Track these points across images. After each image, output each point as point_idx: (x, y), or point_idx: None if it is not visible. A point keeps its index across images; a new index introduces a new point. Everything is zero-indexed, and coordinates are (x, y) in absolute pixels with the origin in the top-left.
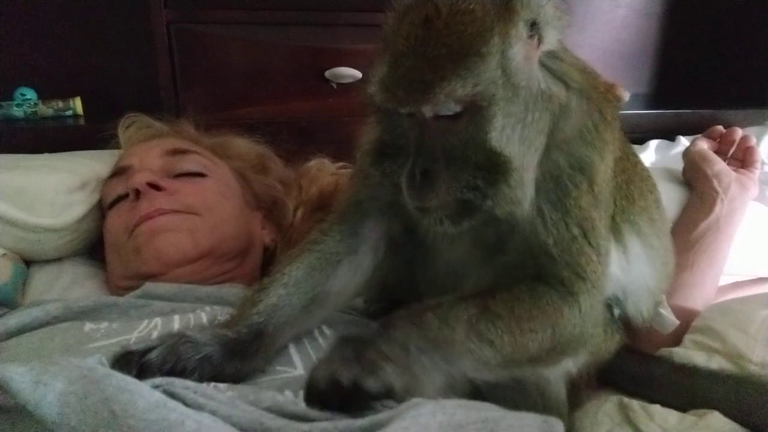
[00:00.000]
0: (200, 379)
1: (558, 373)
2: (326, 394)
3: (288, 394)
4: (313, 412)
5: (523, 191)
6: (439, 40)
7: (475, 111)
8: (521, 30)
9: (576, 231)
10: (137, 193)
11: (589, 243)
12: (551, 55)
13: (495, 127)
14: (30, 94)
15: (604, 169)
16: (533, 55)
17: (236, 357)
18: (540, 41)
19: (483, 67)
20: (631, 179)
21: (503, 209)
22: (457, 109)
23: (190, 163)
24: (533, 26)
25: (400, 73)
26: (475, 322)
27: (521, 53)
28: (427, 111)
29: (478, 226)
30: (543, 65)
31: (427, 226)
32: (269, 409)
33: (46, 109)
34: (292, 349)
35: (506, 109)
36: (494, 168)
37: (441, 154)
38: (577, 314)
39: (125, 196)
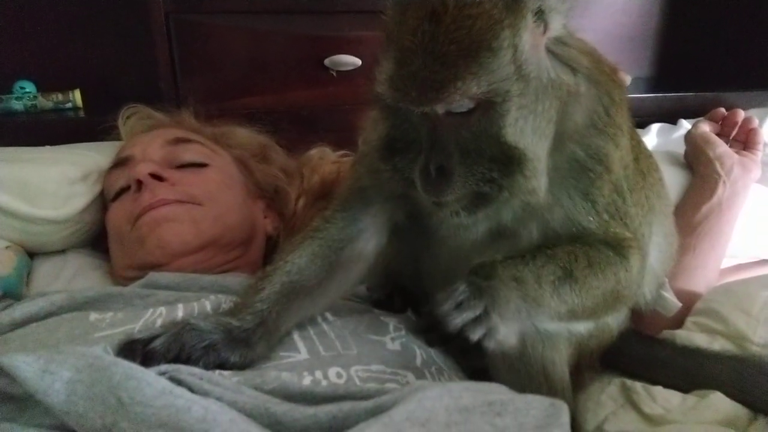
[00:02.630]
0: (205, 367)
1: (563, 356)
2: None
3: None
4: (319, 390)
5: (538, 181)
6: (447, 36)
7: (489, 106)
8: (528, 19)
9: (606, 216)
10: (139, 184)
11: (618, 222)
12: (557, 41)
13: (509, 122)
14: (29, 87)
15: (620, 155)
16: (540, 43)
17: (240, 344)
18: (546, 28)
19: (496, 62)
20: (638, 157)
21: (519, 199)
22: (471, 105)
23: (191, 153)
24: (539, 13)
25: (411, 72)
26: (558, 285)
27: (529, 42)
28: (440, 109)
29: (492, 214)
30: (550, 52)
31: (443, 218)
32: (274, 391)
33: (45, 102)
34: (296, 336)
35: (519, 102)
36: (509, 160)
37: (454, 148)
38: (629, 277)
39: (127, 188)
